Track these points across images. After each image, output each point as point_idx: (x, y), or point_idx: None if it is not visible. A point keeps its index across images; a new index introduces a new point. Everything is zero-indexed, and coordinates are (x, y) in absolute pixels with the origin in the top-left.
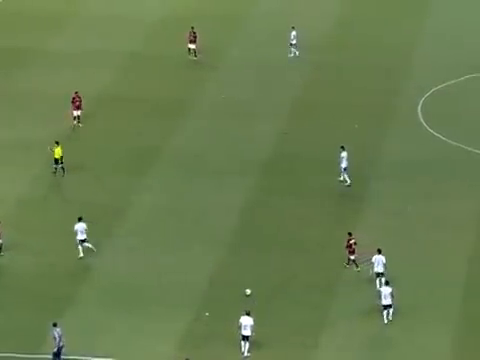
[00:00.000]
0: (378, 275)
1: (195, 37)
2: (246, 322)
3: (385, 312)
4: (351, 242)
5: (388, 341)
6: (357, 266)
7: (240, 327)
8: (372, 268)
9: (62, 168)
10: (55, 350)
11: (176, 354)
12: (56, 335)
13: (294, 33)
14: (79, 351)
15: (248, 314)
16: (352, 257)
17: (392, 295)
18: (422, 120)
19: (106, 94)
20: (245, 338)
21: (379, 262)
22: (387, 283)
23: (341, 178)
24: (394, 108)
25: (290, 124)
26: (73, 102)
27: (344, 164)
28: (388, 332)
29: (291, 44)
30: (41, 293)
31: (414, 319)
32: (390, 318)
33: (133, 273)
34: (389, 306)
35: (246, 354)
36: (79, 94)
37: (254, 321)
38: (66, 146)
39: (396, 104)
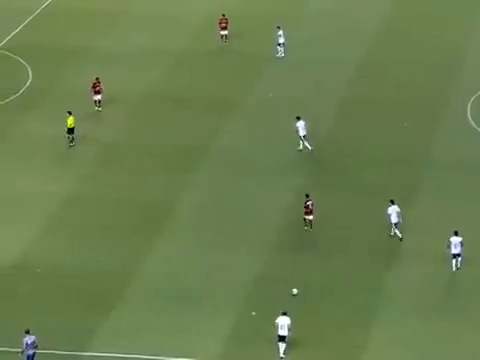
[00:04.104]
0: (395, 225)
1: (227, 23)
2: (283, 322)
3: (454, 261)
4: (308, 203)
5: (433, 343)
6: (311, 227)
7: (277, 327)
8: (389, 218)
9: (73, 138)
10: (23, 355)
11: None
12: (24, 342)
13: (280, 33)
14: (126, 349)
15: (285, 314)
16: (309, 217)
17: (462, 244)
18: (471, 119)
19: (154, 92)
20: (282, 338)
21: (394, 212)
22: (456, 233)
23: (300, 147)
24: (443, 107)
25: (339, 123)
26: (94, 87)
27: (301, 132)
28: (433, 336)
29: (278, 44)
30: (89, 291)
31: (462, 321)
32: (459, 265)
33: (180, 271)
34: (458, 255)
35: (282, 355)
36: (100, 80)
37: (291, 321)
38: (113, 143)
39: (445, 103)
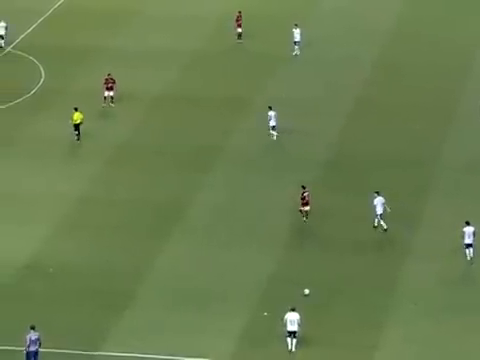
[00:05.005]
0: (380, 216)
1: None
2: (292, 317)
3: (467, 250)
4: (305, 195)
5: (446, 341)
6: (307, 218)
7: (286, 323)
8: (375, 208)
9: (78, 133)
10: (25, 352)
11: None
12: (27, 339)
13: (298, 31)
14: (139, 349)
15: (293, 310)
16: (306, 208)
17: (474, 234)
18: None
19: (168, 92)
20: (292, 334)
21: (379, 203)
22: (468, 223)
23: (274, 137)
24: (455, 108)
25: (352, 123)
26: (106, 83)
27: (272, 122)
28: (446, 334)
29: (295, 42)
30: (101, 291)
31: (475, 319)
32: (472, 255)
33: (192, 271)
34: (470, 245)
35: (293, 349)
36: (112, 76)
37: (301, 318)
38: (126, 143)
39: (457, 104)
